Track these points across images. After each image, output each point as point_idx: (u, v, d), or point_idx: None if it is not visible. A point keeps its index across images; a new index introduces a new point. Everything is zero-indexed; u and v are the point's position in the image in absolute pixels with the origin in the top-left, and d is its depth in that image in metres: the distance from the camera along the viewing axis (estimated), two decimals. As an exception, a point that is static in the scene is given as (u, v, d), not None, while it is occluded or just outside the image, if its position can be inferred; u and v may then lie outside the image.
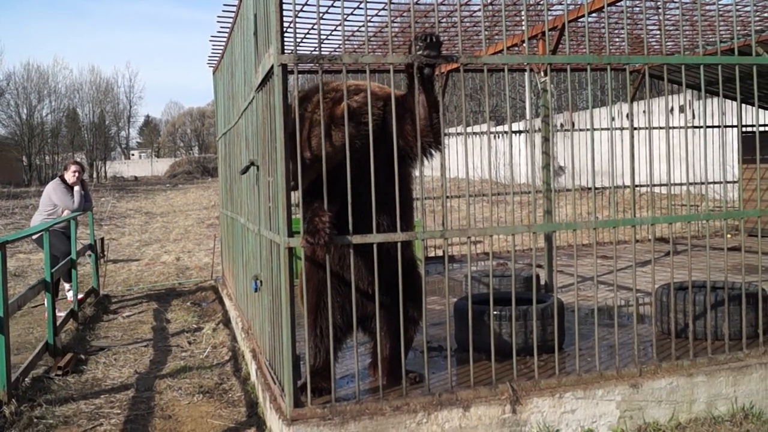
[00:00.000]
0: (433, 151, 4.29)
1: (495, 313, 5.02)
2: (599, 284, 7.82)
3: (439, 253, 11.68)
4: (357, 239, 4.02)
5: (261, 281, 4.89)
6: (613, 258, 4.63)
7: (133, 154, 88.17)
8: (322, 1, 6.76)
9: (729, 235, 11.71)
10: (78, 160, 27.25)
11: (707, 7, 7.97)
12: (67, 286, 9.05)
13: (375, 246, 4.06)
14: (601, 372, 4.50)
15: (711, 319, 5.12)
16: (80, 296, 9.00)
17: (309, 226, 3.90)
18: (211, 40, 8.24)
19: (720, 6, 6.61)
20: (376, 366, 4.66)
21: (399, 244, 4.08)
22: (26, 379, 5.86)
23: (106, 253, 11.59)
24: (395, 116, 4.07)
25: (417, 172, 4.33)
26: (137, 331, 7.94)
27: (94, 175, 56.68)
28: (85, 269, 11.82)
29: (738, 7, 7.81)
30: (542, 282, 7.60)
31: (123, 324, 8.36)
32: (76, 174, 9.15)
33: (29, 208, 24.21)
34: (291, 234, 3.93)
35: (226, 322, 7.98)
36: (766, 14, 8.21)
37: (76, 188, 9.12)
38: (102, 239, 11.05)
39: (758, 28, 8.64)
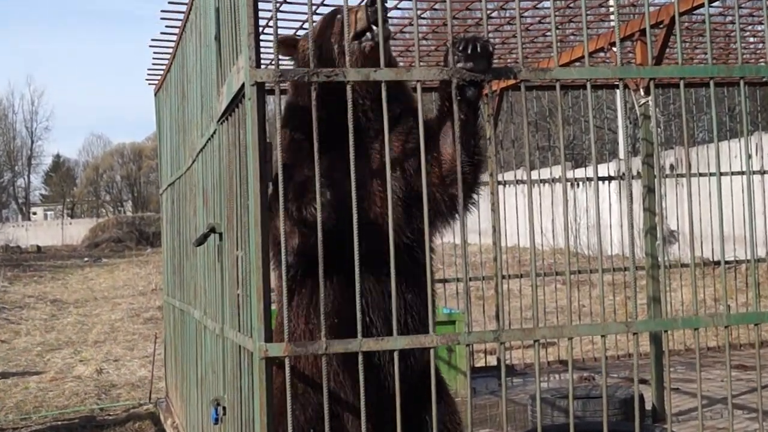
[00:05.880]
0: (472, 206, 4.50)
1: (578, 454, 4.94)
2: (735, 409, 7.70)
3: (492, 361, 11.59)
4: (370, 344, 3.97)
5: (224, 407, 4.86)
6: (756, 369, 4.56)
7: (35, 213, 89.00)
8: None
9: None
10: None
11: None
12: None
13: (397, 355, 4.01)
14: None
15: None
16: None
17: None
18: (152, 46, 8.35)
19: None
20: None
21: (432, 351, 4.05)
22: None
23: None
24: (423, 153, 4.08)
25: (453, 239, 4.35)
26: (37, 482, 7.88)
27: (-23, 246, 57.18)
28: (-38, 387, 11.81)
29: None
30: (648, 406, 7.51)
31: (16, 471, 8.31)
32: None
33: None
34: (270, 336, 3.90)
35: (171, 467, 7.90)
36: None
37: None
38: (-13, 342, 11.08)
39: None
